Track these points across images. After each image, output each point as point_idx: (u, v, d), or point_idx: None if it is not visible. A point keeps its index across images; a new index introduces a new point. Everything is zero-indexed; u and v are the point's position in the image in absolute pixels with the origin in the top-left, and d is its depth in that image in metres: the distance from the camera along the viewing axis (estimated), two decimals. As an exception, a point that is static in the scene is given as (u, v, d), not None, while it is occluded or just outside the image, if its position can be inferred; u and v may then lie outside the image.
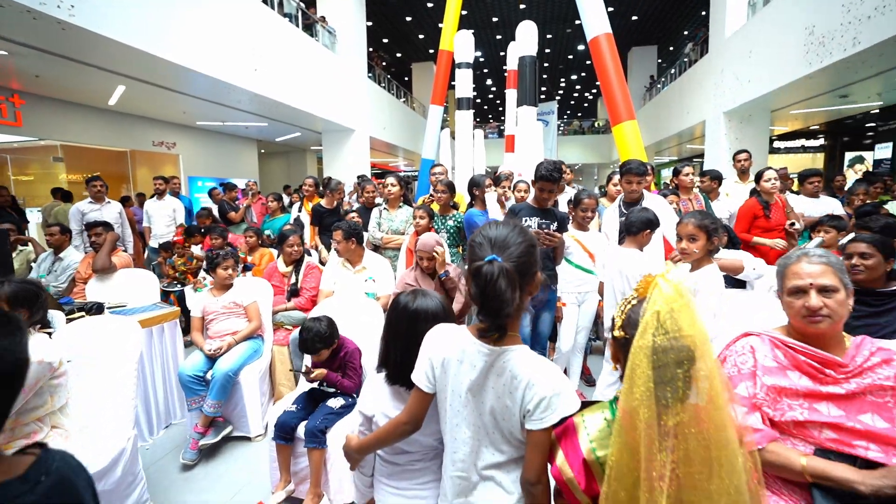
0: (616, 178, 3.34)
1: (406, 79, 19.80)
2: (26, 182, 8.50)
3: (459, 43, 7.10)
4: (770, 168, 3.29)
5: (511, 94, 7.76)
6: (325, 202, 4.23)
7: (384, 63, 16.31)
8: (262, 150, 13.98)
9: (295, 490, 1.94)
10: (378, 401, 1.19)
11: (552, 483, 0.97)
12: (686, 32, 15.88)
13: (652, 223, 2.35)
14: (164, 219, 5.12)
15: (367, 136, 11.80)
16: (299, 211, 4.67)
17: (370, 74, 12.28)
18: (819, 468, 1.07)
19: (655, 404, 0.78)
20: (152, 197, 5.34)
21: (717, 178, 3.92)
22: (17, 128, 7.28)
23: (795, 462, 1.09)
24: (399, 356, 1.14)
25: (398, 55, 18.20)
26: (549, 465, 0.95)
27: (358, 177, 8.79)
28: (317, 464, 1.78)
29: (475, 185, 3.24)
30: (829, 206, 3.64)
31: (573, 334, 2.74)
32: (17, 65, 6.11)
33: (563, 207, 3.24)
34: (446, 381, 1.03)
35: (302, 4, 9.37)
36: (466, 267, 0.99)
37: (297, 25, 9.12)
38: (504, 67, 18.14)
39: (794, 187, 6.27)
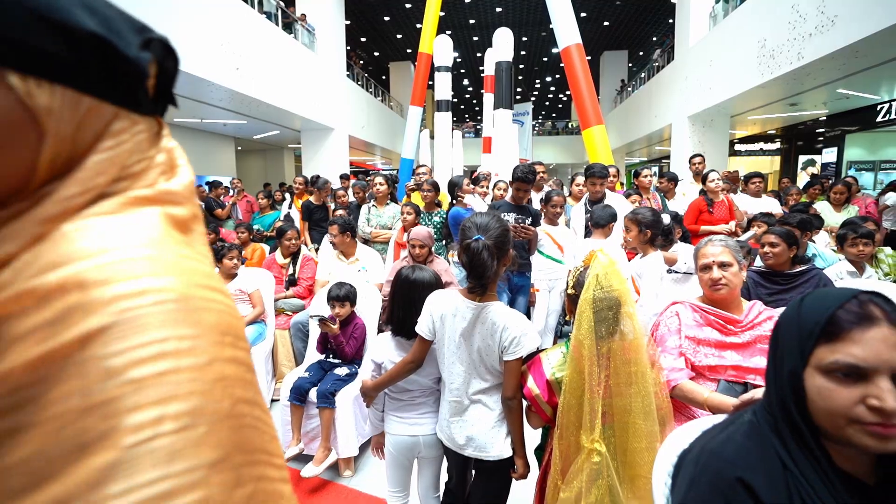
0: (579, 178, 3.75)
1: (384, 78, 20.01)
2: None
3: (439, 47, 7.45)
4: (714, 171, 3.77)
5: (488, 98, 8.15)
6: (314, 199, 4.51)
7: (361, 62, 16.50)
8: (240, 148, 13.99)
9: (305, 448, 2.25)
10: (385, 351, 1.54)
11: (524, 402, 1.34)
12: (654, 39, 16.67)
13: (614, 217, 2.76)
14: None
15: (346, 135, 12.00)
16: (290, 208, 4.93)
17: (349, 73, 12.48)
18: (715, 402, 1.46)
19: (595, 337, 1.15)
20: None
21: (672, 179, 4.40)
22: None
23: (699, 396, 1.48)
24: (401, 314, 1.49)
25: (376, 54, 18.41)
26: (521, 387, 1.31)
27: (357, 175, 9.02)
28: (327, 422, 2.10)
29: (456, 186, 3.59)
30: (769, 204, 4.16)
31: (545, 317, 3.13)
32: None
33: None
34: (444, 331, 1.39)
35: (282, 3, 9.52)
36: (459, 247, 1.35)
37: (277, 24, 9.26)
38: (481, 68, 18.55)
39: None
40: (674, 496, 0.79)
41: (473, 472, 1.48)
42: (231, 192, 6.03)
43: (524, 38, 16.70)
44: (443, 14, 13.31)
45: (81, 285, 0.31)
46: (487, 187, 4.05)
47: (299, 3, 11.11)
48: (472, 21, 15.15)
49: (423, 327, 1.41)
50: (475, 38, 16.62)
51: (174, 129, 10.85)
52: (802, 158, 13.40)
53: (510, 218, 2.84)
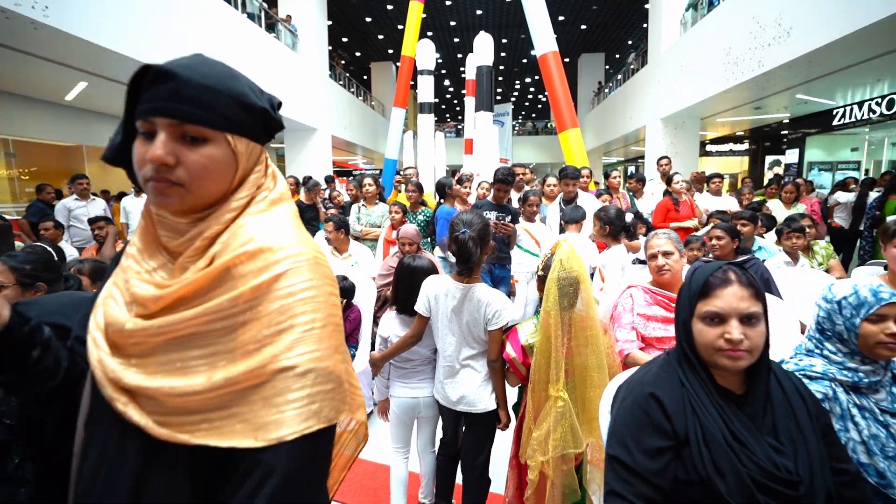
0: (550, 179, 4.09)
1: (365, 78, 20.15)
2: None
3: (422, 51, 7.73)
4: (678, 173, 4.14)
5: (470, 101, 8.47)
6: (304, 199, 4.75)
7: (343, 62, 16.64)
8: (220, 147, 13.97)
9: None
10: (391, 326, 1.82)
11: (505, 365, 1.64)
12: (630, 42, 17.24)
13: (584, 216, 3.09)
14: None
15: (329, 136, 12.16)
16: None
17: (331, 74, 12.63)
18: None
19: (559, 309, 1.45)
20: (128, 195, 5.62)
21: (640, 180, 4.78)
22: (-36, 123, 7.21)
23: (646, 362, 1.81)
24: (404, 296, 1.77)
25: (357, 54, 18.55)
26: (502, 352, 1.61)
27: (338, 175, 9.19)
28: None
29: (444, 187, 3.89)
30: (727, 202, 4.56)
31: (524, 305, 3.44)
32: (-31, 59, 6.14)
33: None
34: (438, 309, 1.68)
35: (265, 4, 9.64)
36: (448, 239, 1.64)
37: (260, 25, 9.39)
38: (462, 69, 18.84)
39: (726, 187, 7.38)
40: (611, 414, 1.09)
41: (464, 427, 1.77)
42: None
43: (504, 41, 17.08)
44: (424, 16, 13.58)
45: (270, 249, 0.59)
46: (470, 188, 4.35)
47: (282, 5, 11.21)
48: (452, 23, 15.45)
49: (420, 306, 1.70)
50: (456, 40, 16.93)
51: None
52: (769, 159, 14.11)
53: (491, 216, 3.14)
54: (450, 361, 1.65)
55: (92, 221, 3.74)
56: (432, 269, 1.78)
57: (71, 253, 3.96)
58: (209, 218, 0.60)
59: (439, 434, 1.86)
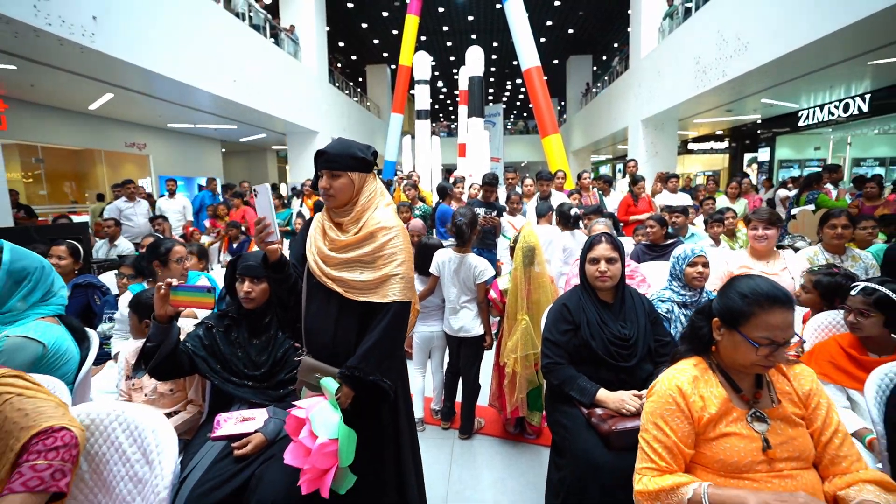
0: (528, 181, 5.00)
1: (360, 80, 20.97)
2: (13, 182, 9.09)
3: (418, 62, 8.60)
4: (642, 177, 5.05)
5: (463, 109, 9.35)
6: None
7: (339, 65, 17.43)
8: (224, 150, 14.76)
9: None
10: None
11: (489, 304, 2.54)
12: (616, 45, 18.17)
13: (550, 209, 3.99)
14: (175, 215, 6.24)
15: (329, 138, 12.96)
16: (301, 206, 6.00)
17: (330, 79, 13.44)
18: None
19: (523, 266, 2.34)
20: (162, 196, 6.44)
21: (608, 181, 5.70)
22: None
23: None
24: (421, 262, 2.63)
25: (353, 58, 19.37)
26: (486, 295, 2.50)
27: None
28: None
29: (444, 190, 4.78)
30: (682, 198, 5.47)
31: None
32: (17, 76, 6.93)
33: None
34: (444, 270, 2.55)
35: (269, 16, 10.44)
36: (450, 224, 2.53)
37: (266, 36, 10.20)
38: (454, 71, 19.64)
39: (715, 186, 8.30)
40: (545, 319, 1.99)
41: (462, 348, 2.65)
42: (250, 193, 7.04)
43: (495, 44, 17.98)
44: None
45: (387, 227, 1.48)
46: (463, 188, 5.24)
47: (284, 15, 12.01)
48: (445, 28, 16.32)
49: (433, 269, 2.58)
50: (448, 44, 17.80)
51: (167, 133, 11.66)
52: (748, 156, 15.11)
53: (481, 211, 4.03)
54: (453, 304, 2.53)
55: (152, 219, 4.57)
56: (439, 246, 2.66)
57: (127, 247, 4.78)
58: (349, 209, 1.48)
59: (446, 359, 2.74)
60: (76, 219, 6.71)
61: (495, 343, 2.61)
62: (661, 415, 1.15)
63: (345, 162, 1.42)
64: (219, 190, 6.98)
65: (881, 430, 1.22)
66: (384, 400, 1.41)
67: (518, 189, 5.41)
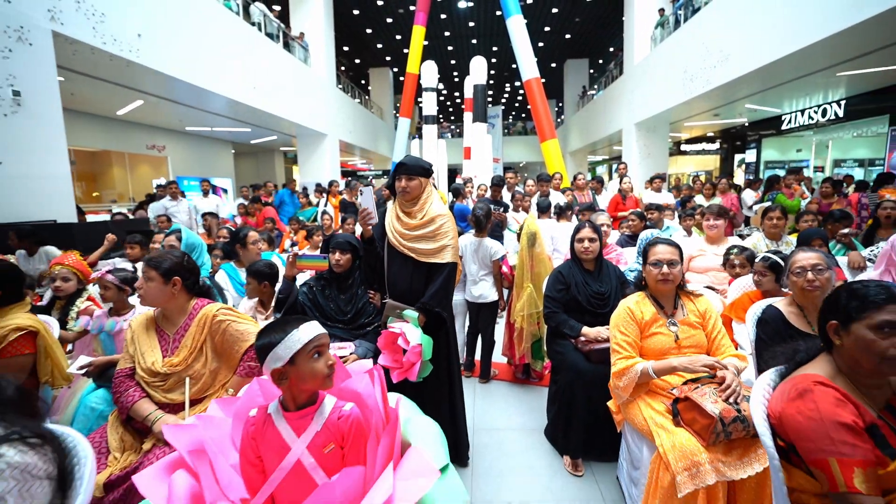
0: (529, 182, 5.80)
1: (363, 82, 21.73)
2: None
3: (426, 71, 9.39)
4: (628, 177, 5.83)
5: (468, 116, 10.15)
6: (347, 196, 6.38)
7: (343, 68, 18.19)
8: (234, 151, 15.50)
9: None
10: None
11: (502, 277, 3.32)
12: (612, 49, 19.00)
13: (550, 205, 4.78)
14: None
15: (337, 140, 13.73)
16: (325, 205, 6.77)
17: (337, 83, 14.20)
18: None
19: (528, 247, 3.12)
20: (197, 195, 7.19)
21: (600, 181, 6.49)
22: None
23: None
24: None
25: (357, 61, 20.13)
26: (500, 269, 3.28)
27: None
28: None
29: (458, 191, 5.56)
30: (665, 197, 6.26)
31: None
32: (62, 87, 7.65)
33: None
34: (466, 251, 3.31)
35: (282, 25, 11.18)
36: (471, 216, 3.31)
37: (279, 43, 10.94)
38: (455, 74, 20.39)
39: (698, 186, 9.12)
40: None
41: (480, 313, 3.41)
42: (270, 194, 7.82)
43: (495, 48, 18.78)
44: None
45: (441, 214, 2.26)
46: (472, 187, 6.02)
47: (294, 21, 12.76)
48: (447, 33, 17.11)
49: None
50: (449, 48, 18.59)
51: (184, 136, 12.40)
52: (738, 157, 15.96)
53: (491, 207, 4.83)
54: (473, 277, 3.30)
55: (203, 216, 5.33)
56: (461, 233, 3.44)
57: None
58: (415, 202, 2.25)
59: (466, 323, 3.52)
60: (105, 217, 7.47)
61: (506, 306, 3.39)
62: (620, 323, 1.93)
63: (416, 170, 2.19)
64: (298, 189, 7.84)
65: (752, 339, 2.00)
66: (442, 325, 2.18)
67: (520, 188, 6.20)
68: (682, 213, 4.61)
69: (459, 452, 2.37)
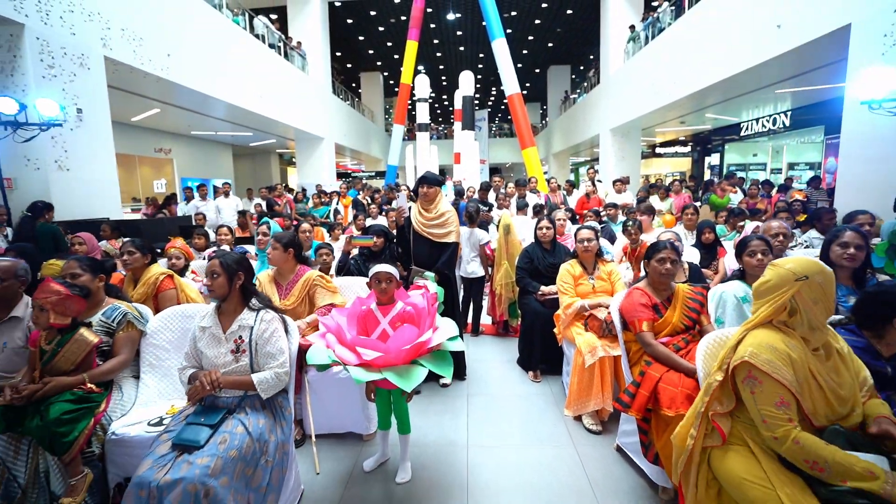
0: (510, 185, 7.02)
1: (354, 85, 22.83)
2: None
3: (419, 84, 10.60)
4: (598, 181, 7.10)
5: (458, 125, 11.38)
6: (360, 196, 7.56)
7: (336, 72, 19.27)
8: (233, 153, 16.49)
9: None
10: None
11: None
12: (592, 57, 20.41)
13: (527, 205, 6.02)
14: (230, 210, 8.08)
15: (333, 143, 14.84)
16: (337, 204, 7.93)
17: (332, 89, 15.30)
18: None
19: (503, 235, 4.35)
20: (219, 196, 8.29)
21: (572, 184, 7.76)
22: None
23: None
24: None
25: (349, 66, 21.23)
26: (485, 250, 4.50)
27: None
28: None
29: (461, 192, 6.76)
30: (625, 197, 7.56)
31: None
32: (93, 98, 8.65)
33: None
34: (462, 239, 4.52)
35: (283, 36, 12.25)
36: (465, 212, 4.54)
37: (279, 53, 12.00)
38: (443, 78, 21.57)
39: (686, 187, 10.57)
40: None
41: (472, 285, 4.62)
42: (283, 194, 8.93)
43: (481, 55, 20.06)
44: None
45: (449, 209, 3.48)
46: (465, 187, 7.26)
47: (292, 30, 13.82)
48: (436, 41, 18.32)
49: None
50: (438, 54, 19.81)
51: (188, 139, 13.39)
52: (708, 160, 17.47)
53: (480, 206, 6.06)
54: (466, 258, 4.51)
55: (240, 213, 6.45)
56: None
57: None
58: (433, 202, 3.46)
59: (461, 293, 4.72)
60: (135, 216, 8.53)
61: (490, 279, 4.63)
62: (563, 276, 3.17)
63: (434, 182, 3.38)
64: (297, 190, 8.94)
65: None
66: (451, 282, 3.39)
67: (503, 190, 7.43)
68: (632, 209, 5.89)
69: (460, 371, 3.59)
